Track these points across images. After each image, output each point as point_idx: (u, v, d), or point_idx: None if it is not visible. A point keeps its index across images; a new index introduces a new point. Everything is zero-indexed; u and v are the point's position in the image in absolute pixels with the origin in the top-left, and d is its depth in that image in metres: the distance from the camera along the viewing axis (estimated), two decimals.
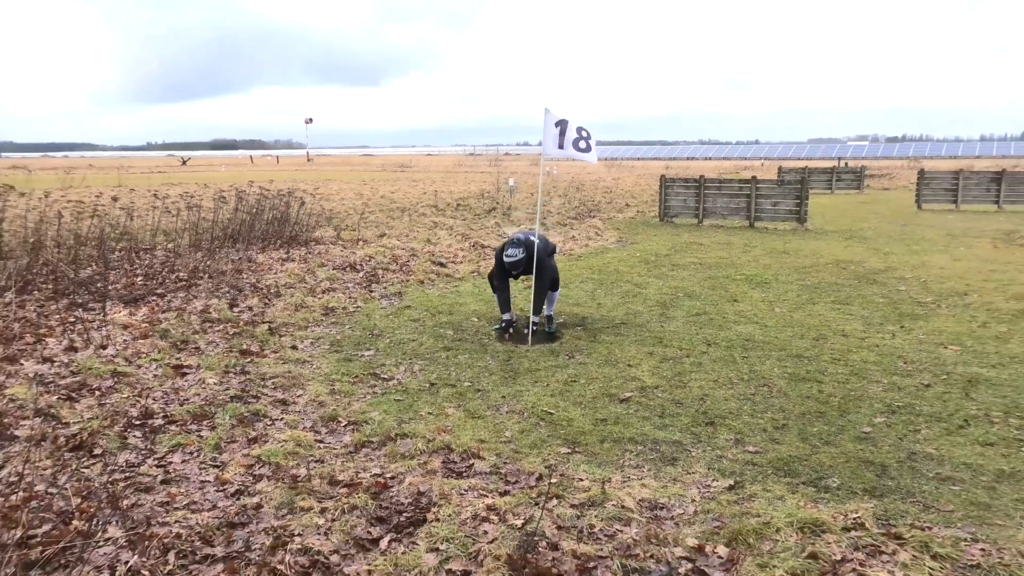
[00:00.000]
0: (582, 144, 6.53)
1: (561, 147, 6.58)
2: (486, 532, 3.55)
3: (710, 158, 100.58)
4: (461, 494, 3.96)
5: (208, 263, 10.02)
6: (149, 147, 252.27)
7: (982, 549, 3.51)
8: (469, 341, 7.16)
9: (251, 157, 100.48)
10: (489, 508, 3.76)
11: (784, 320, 8.04)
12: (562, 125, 6.56)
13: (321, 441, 4.72)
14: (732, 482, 4.22)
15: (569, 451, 4.64)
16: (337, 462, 4.38)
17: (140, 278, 9.22)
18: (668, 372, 6.20)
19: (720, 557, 3.41)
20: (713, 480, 4.26)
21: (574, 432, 4.93)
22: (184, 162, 73.49)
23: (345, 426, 4.98)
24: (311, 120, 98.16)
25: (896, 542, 3.52)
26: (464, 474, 4.27)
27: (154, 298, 8.22)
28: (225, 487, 4.03)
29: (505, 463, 4.43)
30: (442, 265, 11.18)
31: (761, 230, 17.28)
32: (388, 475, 4.20)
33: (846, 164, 44.01)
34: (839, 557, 3.38)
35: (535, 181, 36.29)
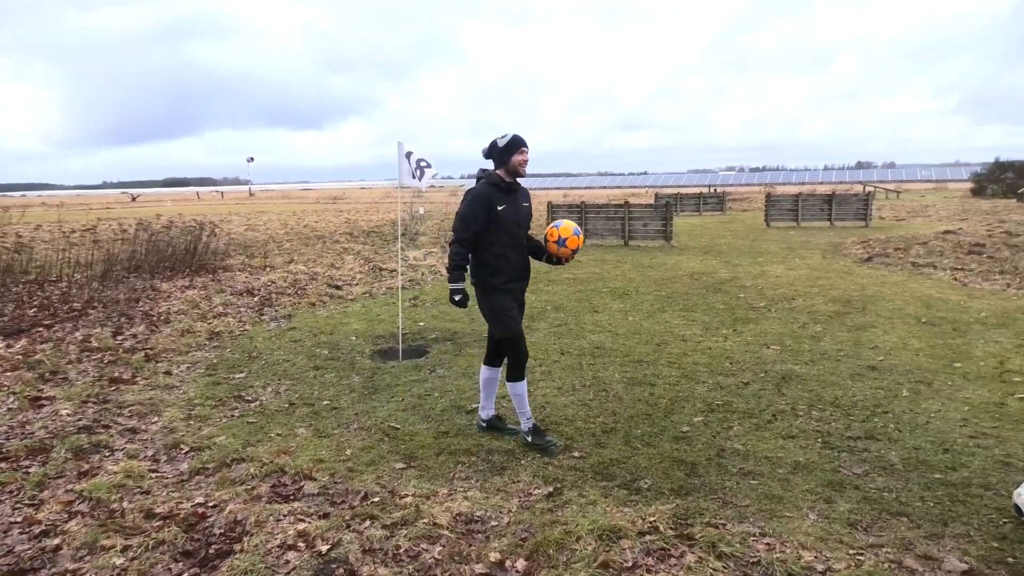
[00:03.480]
0: (417, 173, 6.16)
1: (413, 176, 6.17)
2: (288, 562, 3.07)
3: (605, 187, 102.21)
4: (278, 520, 3.46)
5: (104, 293, 9.15)
6: (105, 186, 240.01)
7: (767, 544, 3.24)
8: (341, 360, 6.63)
9: (197, 193, 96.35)
10: (300, 535, 3.28)
11: (634, 328, 7.82)
12: (410, 156, 6.16)
13: (155, 471, 4.13)
14: (552, 489, 3.85)
15: (404, 466, 4.20)
16: (163, 493, 3.80)
17: (33, 309, 8.31)
18: None
19: (518, 571, 3.03)
20: (535, 488, 3.88)
21: (414, 446, 4.49)
22: (134, 198, 69.77)
23: (186, 453, 4.39)
24: (252, 159, 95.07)
25: (686, 543, 3.21)
26: (291, 497, 3.76)
27: (40, 329, 7.37)
28: (32, 528, 3.42)
29: (336, 483, 3.94)
30: (337, 287, 10.58)
31: (634, 248, 17.30)
32: (211, 504, 3.66)
33: (713, 190, 45.26)
34: (630, 564, 3.05)
35: (449, 209, 35.86)
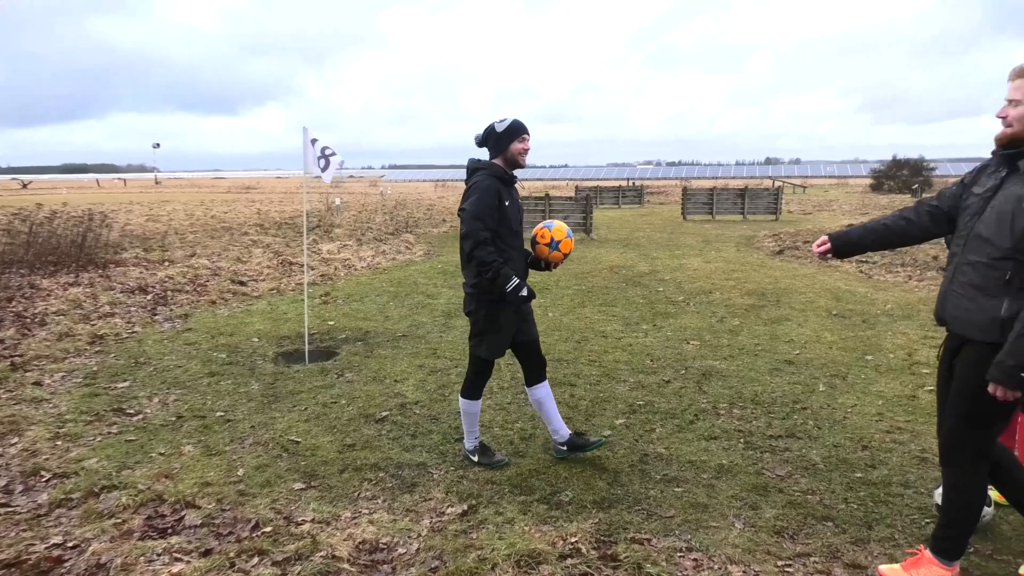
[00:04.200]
0: (322, 163, 5.70)
1: (318, 167, 5.70)
2: None
3: (526, 179, 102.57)
4: (150, 561, 3.00)
5: None
6: None
7: (694, 560, 3.04)
8: (240, 364, 6.10)
9: (97, 181, 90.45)
10: None
11: (554, 324, 7.61)
12: (315, 143, 5.69)
13: (6, 505, 3.56)
14: (467, 507, 3.54)
15: (304, 486, 3.79)
16: (11, 533, 3.26)
17: None
18: (433, 385, 5.50)
19: None
20: (448, 506, 3.56)
21: (316, 463, 4.08)
22: (25, 185, 64.63)
23: (47, 481, 3.82)
24: (158, 145, 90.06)
25: (611, 566, 2.97)
26: (168, 531, 3.30)
27: None
28: None
29: (224, 511, 3.50)
30: (242, 284, 9.90)
31: None
32: (70, 544, 3.15)
33: (632, 184, 46.01)
34: None
35: (368, 200, 34.93)
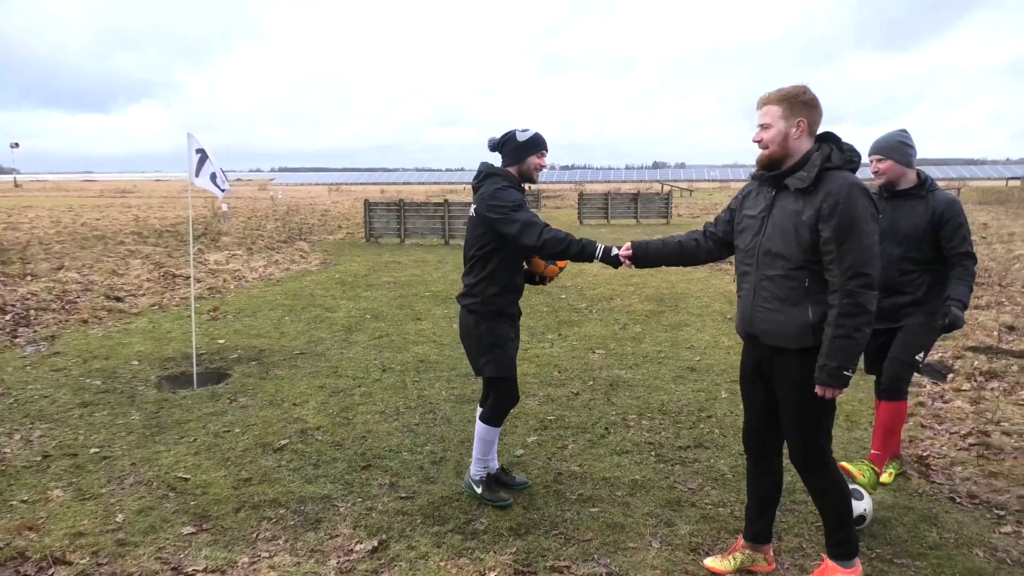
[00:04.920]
0: (219, 179, 5.31)
1: (197, 175, 5.28)
2: None
3: (423, 183, 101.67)
4: None
5: None
6: None
7: None
8: (118, 392, 5.55)
9: None
10: None
11: (458, 337, 7.45)
12: (202, 153, 5.27)
13: None
14: (376, 543, 3.33)
15: (195, 530, 3.45)
16: None
17: None
18: (335, 407, 5.21)
19: None
20: (357, 543, 3.34)
21: (208, 502, 3.74)
22: None
23: None
24: (16, 145, 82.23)
25: None
26: None
27: None
28: None
29: (100, 564, 3.12)
30: (119, 300, 9.11)
31: (455, 247, 17.03)
32: None
33: (528, 187, 46.47)
34: None
35: (257, 205, 33.44)
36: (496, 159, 3.71)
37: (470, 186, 3.86)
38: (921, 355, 3.74)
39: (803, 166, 2.72)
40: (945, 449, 4.44)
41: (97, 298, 9.10)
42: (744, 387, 3.12)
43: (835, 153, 2.74)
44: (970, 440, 4.54)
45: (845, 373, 2.62)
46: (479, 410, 3.82)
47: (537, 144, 3.60)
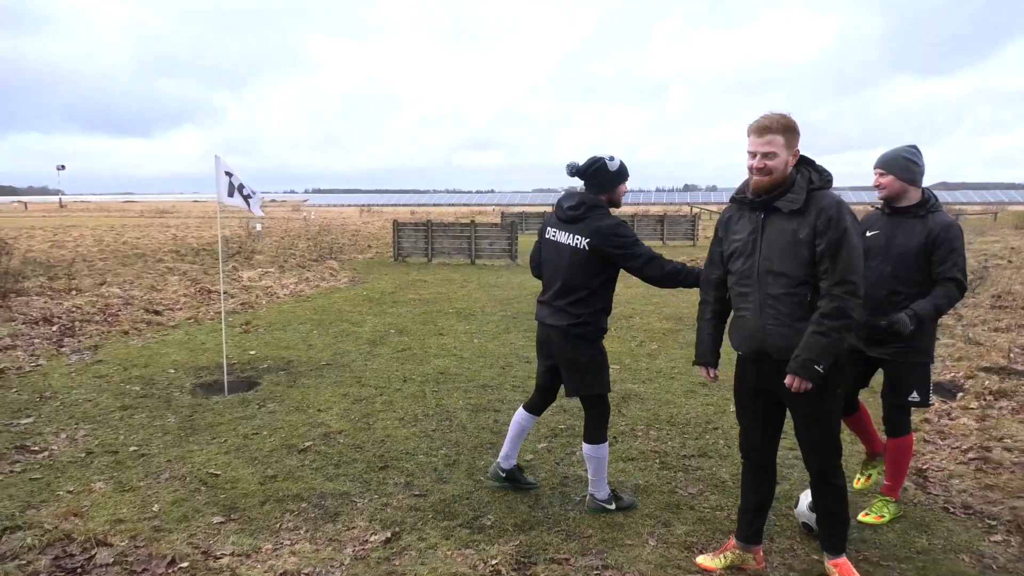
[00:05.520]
0: (247, 190, 5.68)
1: (231, 195, 5.66)
2: None
3: (452, 204, 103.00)
4: None
5: None
6: None
7: None
8: (155, 397, 5.91)
9: None
10: None
11: (479, 351, 7.72)
12: (231, 175, 5.66)
13: None
14: (390, 534, 3.58)
15: (223, 520, 3.73)
16: None
17: None
18: (357, 414, 5.49)
19: None
20: (372, 534, 3.59)
21: (236, 495, 4.02)
22: None
23: None
24: (63, 167, 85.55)
25: None
26: (78, 571, 3.20)
27: None
28: None
29: (138, 547, 3.41)
30: (157, 313, 9.57)
31: (480, 266, 17.37)
32: None
33: None
34: None
35: (291, 225, 34.25)
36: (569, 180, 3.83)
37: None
38: (915, 395, 3.67)
39: (791, 189, 2.93)
40: (945, 463, 4.55)
41: (137, 311, 9.57)
42: (745, 403, 3.28)
43: (814, 175, 2.97)
44: (971, 455, 4.64)
45: (816, 367, 2.81)
46: (522, 411, 4.09)
47: (625, 174, 3.75)
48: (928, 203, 3.64)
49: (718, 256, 3.27)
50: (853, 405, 3.96)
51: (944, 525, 3.73)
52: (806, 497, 3.53)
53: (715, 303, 3.34)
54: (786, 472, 4.40)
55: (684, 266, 3.67)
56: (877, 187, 3.75)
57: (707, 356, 3.42)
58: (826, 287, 2.82)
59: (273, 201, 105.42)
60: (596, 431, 3.80)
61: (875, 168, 3.73)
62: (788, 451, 4.75)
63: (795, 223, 2.90)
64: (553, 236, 3.79)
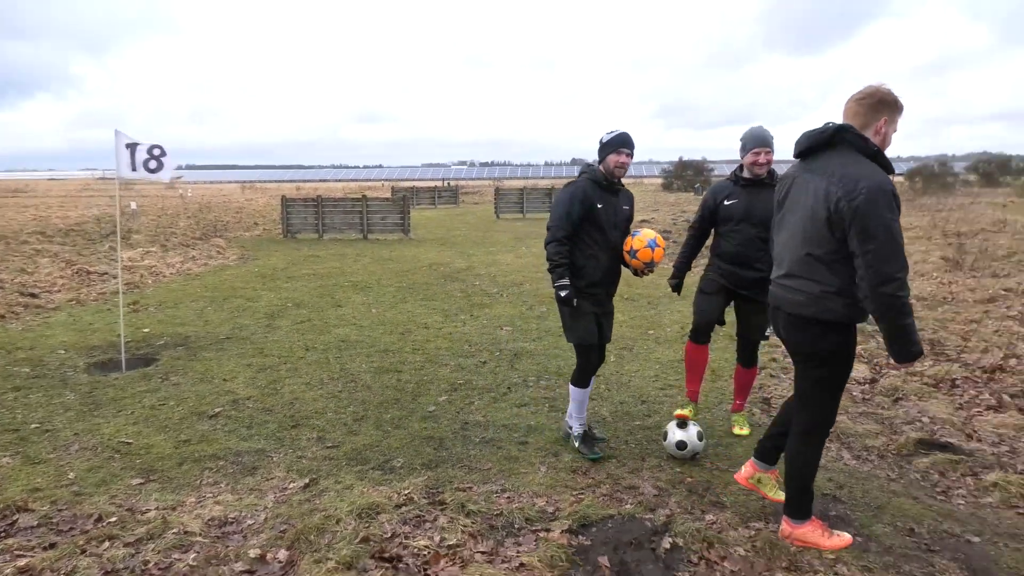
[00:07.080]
0: (152, 164, 5.68)
1: (134, 169, 5.65)
2: None
3: (340, 180, 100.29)
4: None
5: None
6: None
7: (507, 497, 3.69)
8: (49, 377, 5.85)
9: None
10: (22, 571, 2.96)
11: (378, 319, 8.03)
12: (132, 147, 5.64)
13: None
14: (308, 480, 3.92)
15: (143, 481, 3.93)
16: None
17: None
18: (263, 381, 5.71)
19: (280, 561, 3.09)
20: (291, 482, 3.92)
21: (152, 459, 4.21)
22: None
23: None
24: None
25: (439, 508, 3.53)
26: (3, 535, 3.34)
27: None
28: None
29: (60, 510, 3.57)
30: (33, 296, 9.16)
31: (373, 241, 17.45)
32: None
33: (447, 184, 47.02)
34: (390, 534, 3.28)
35: (167, 203, 32.49)
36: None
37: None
38: (769, 330, 4.35)
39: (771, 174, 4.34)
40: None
41: (11, 295, 9.11)
42: None
43: None
44: None
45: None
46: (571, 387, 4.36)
47: (611, 144, 4.08)
48: (774, 175, 4.37)
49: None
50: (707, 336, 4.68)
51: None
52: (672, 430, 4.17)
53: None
54: (657, 407, 5.09)
55: (555, 259, 4.04)
56: (761, 164, 4.33)
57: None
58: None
59: (175, 179, 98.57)
60: (576, 375, 4.29)
61: (760, 147, 4.31)
62: (660, 391, 5.45)
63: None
64: None
